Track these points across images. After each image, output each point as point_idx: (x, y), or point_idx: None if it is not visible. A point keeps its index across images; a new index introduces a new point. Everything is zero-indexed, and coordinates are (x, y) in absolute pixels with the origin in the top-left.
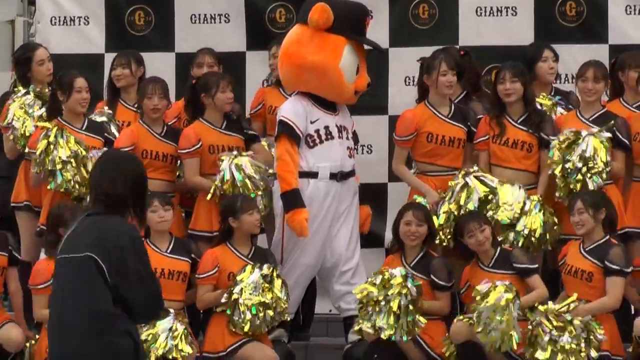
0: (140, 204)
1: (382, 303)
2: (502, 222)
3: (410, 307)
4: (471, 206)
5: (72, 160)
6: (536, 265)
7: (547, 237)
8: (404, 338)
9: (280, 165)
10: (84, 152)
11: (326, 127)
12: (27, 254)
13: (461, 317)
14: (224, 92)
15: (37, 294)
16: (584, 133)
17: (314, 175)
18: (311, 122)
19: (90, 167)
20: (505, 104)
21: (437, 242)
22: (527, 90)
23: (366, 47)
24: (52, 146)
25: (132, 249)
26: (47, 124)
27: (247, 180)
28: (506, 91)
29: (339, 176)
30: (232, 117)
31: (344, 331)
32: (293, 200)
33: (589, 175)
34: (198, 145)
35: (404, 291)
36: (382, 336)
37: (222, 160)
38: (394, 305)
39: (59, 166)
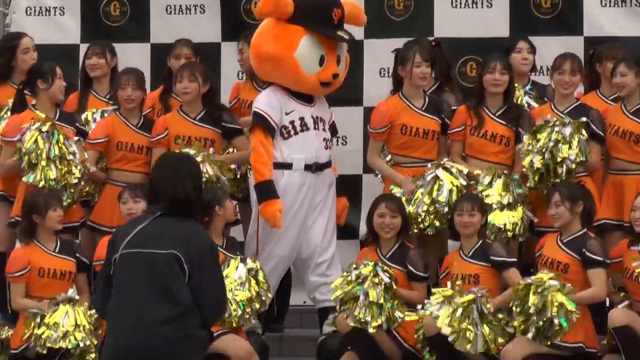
0: (205, 207)
1: (362, 298)
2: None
3: (387, 294)
4: (442, 199)
5: (57, 160)
6: (514, 259)
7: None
8: (387, 326)
9: (254, 157)
10: (68, 155)
11: (301, 119)
12: (2, 245)
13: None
14: (181, 82)
15: (14, 282)
16: (554, 120)
17: (288, 166)
18: (286, 114)
19: (71, 168)
20: (485, 95)
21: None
22: (511, 83)
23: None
24: (42, 140)
25: (212, 255)
26: (41, 115)
27: None
28: (495, 81)
29: (314, 167)
30: (208, 110)
31: (318, 323)
32: (266, 191)
33: (559, 158)
34: (163, 135)
35: (377, 280)
36: (370, 329)
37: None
38: (372, 295)
39: (42, 162)
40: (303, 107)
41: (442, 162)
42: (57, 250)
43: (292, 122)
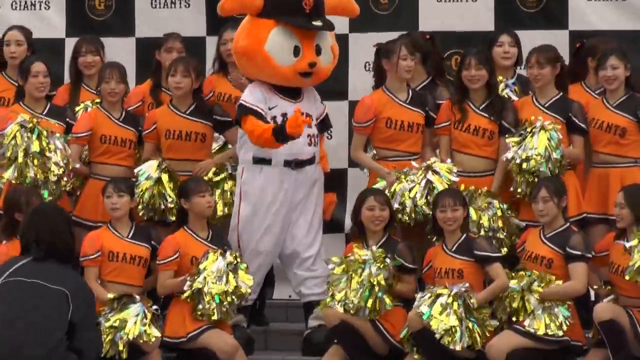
0: (73, 255)
1: (361, 272)
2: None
3: (383, 282)
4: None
5: (36, 157)
6: (498, 254)
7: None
8: (371, 315)
9: (254, 136)
10: (48, 152)
11: (283, 115)
12: None
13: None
14: (174, 76)
15: None
16: (536, 125)
17: (267, 162)
18: (269, 108)
19: (51, 165)
20: (469, 90)
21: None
22: (492, 77)
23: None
24: (21, 136)
25: (92, 302)
26: (25, 115)
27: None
28: (471, 77)
29: (294, 164)
30: (198, 104)
31: (304, 317)
32: (279, 129)
33: (535, 167)
34: (150, 129)
35: (382, 265)
36: (348, 307)
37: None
38: (374, 279)
39: (20, 159)
40: (287, 102)
41: (430, 164)
42: None
43: (273, 118)
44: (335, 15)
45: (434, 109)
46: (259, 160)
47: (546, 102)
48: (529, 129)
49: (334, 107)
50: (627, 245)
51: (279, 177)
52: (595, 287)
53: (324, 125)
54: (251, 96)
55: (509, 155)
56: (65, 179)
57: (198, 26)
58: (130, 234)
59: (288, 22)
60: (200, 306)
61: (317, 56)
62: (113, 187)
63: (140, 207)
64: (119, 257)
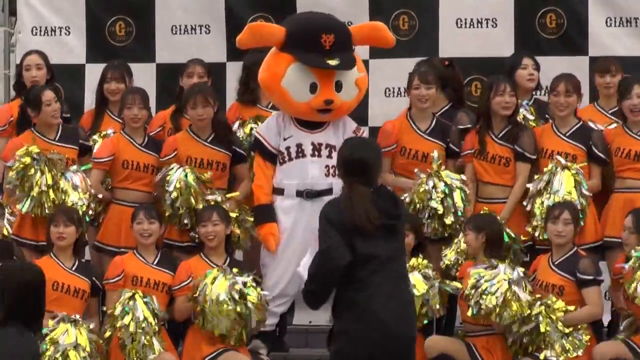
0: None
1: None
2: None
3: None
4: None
5: (51, 190)
6: None
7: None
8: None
9: (254, 180)
10: (60, 183)
11: (298, 145)
12: None
13: None
14: (194, 109)
15: None
16: (555, 170)
17: (281, 192)
18: (284, 139)
19: (67, 198)
20: (491, 117)
21: None
22: (517, 105)
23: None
24: (34, 169)
25: None
26: (34, 148)
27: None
28: (506, 104)
29: (305, 194)
30: (218, 132)
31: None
32: (259, 214)
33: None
34: (171, 155)
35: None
36: None
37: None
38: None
39: (36, 190)
40: (304, 133)
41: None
42: (73, 269)
43: (287, 148)
44: (369, 45)
45: (457, 142)
46: (275, 190)
47: (567, 131)
48: (548, 171)
49: None
50: (626, 267)
51: (290, 206)
52: (619, 307)
53: None
54: (265, 126)
55: (547, 202)
56: (90, 212)
57: (218, 52)
58: (156, 261)
59: (303, 60)
60: (208, 325)
61: (336, 92)
62: (145, 213)
63: (168, 202)
64: (143, 282)
